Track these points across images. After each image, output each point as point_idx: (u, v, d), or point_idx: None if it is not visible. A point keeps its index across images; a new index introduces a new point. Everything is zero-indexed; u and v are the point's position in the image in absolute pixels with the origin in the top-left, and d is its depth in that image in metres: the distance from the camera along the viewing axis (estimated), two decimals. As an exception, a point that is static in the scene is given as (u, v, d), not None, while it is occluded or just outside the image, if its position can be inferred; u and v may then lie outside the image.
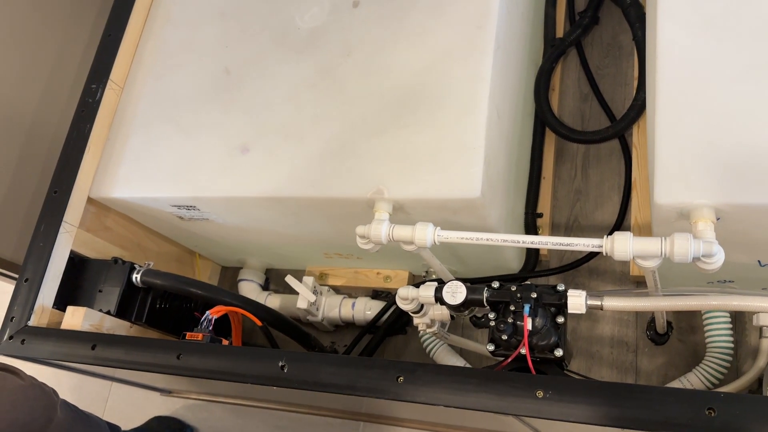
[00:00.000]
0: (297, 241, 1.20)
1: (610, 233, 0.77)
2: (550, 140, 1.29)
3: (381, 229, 0.87)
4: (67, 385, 1.43)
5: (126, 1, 1.21)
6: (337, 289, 1.32)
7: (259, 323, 1.05)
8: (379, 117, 0.98)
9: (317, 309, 1.24)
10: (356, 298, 1.26)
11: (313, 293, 1.22)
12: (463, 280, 0.85)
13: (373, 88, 1.00)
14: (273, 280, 1.42)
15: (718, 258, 0.73)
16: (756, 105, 0.79)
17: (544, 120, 1.26)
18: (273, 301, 1.31)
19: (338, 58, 1.05)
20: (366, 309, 1.24)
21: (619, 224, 1.21)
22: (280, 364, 0.84)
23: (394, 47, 1.02)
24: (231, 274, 1.44)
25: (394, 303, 1.07)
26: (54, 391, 0.98)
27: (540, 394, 0.70)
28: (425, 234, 0.85)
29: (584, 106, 1.34)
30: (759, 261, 0.88)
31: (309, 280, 1.22)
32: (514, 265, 1.18)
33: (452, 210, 0.93)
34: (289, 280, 1.21)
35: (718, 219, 0.79)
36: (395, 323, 1.22)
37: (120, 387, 1.45)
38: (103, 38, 1.20)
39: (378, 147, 0.96)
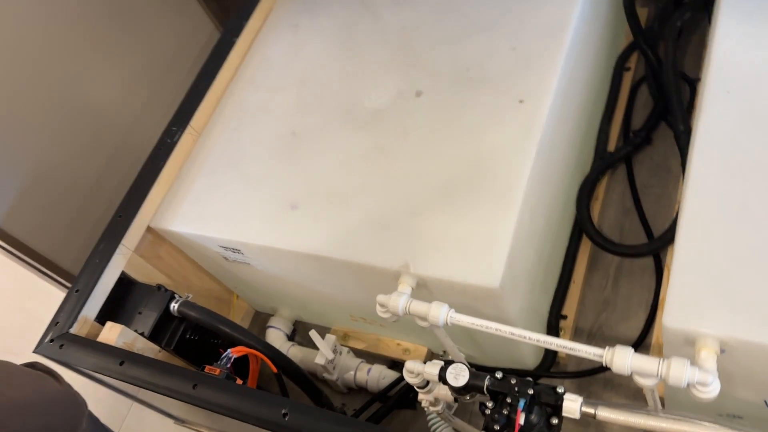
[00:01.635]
0: (327, 299, 1.26)
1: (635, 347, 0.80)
2: (586, 247, 1.32)
3: (399, 300, 0.92)
4: (93, 395, 1.51)
5: (218, 59, 1.35)
6: (357, 353, 1.37)
7: (274, 370, 1.10)
8: (420, 198, 1.05)
9: (334, 368, 1.29)
10: (373, 364, 1.31)
11: (333, 352, 1.27)
12: (473, 366, 0.89)
13: (420, 171, 1.08)
14: (299, 333, 1.48)
15: (712, 388, 0.75)
16: (776, 248, 0.82)
17: (582, 226, 1.31)
18: (295, 352, 1.37)
19: (394, 138, 1.14)
20: (381, 377, 1.28)
21: (641, 341, 1.22)
22: (283, 411, 0.89)
23: (446, 138, 1.10)
24: (262, 319, 1.51)
25: (406, 376, 1.11)
26: (84, 402, 1.05)
27: (519, 488, 0.72)
28: (439, 313, 0.90)
29: (624, 219, 1.37)
30: (765, 401, 0.88)
31: (331, 338, 1.28)
32: (530, 361, 1.20)
33: (472, 296, 0.97)
34: (313, 335, 1.26)
35: (723, 351, 0.81)
36: (406, 396, 1.25)
37: (139, 408, 1.51)
38: (192, 87, 1.34)
39: (413, 225, 1.03)
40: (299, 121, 1.24)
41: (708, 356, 0.78)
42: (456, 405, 1.03)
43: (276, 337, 1.42)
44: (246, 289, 1.43)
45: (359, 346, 1.37)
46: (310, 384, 1.18)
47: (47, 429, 0.92)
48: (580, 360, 1.24)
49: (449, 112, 1.13)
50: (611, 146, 1.42)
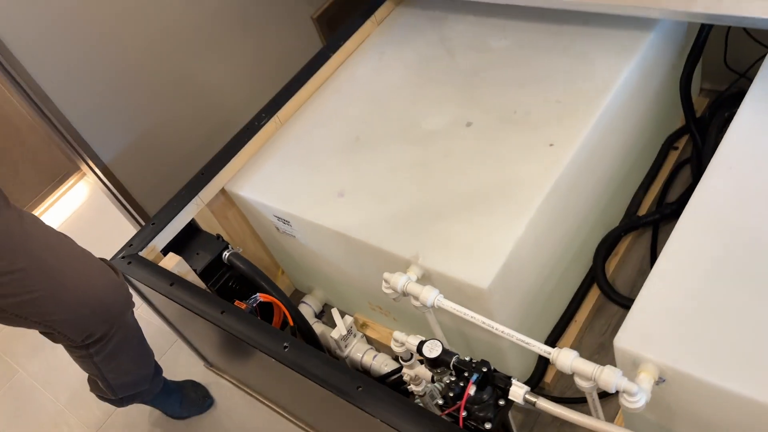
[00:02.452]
0: (351, 282, 1.44)
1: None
2: (594, 294, 1.43)
3: (400, 279, 1.09)
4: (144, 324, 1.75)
5: (312, 68, 1.59)
6: (369, 341, 1.53)
7: (291, 323, 1.29)
8: (444, 206, 1.22)
9: (345, 346, 1.45)
10: (380, 352, 1.46)
11: (348, 331, 1.44)
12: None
13: (451, 185, 1.25)
14: (327, 317, 1.66)
15: (638, 399, 0.86)
16: (731, 305, 0.93)
17: (594, 274, 1.42)
18: (317, 327, 1.54)
19: (438, 156, 1.32)
20: (383, 364, 1.43)
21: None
22: (285, 344, 1.07)
23: (480, 163, 1.27)
24: (298, 297, 1.70)
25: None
26: (132, 300, 1.28)
27: (451, 439, 0.86)
28: (429, 294, 1.06)
29: (639, 279, 1.47)
30: (702, 439, 0.97)
31: (349, 319, 1.45)
32: (516, 375, 1.31)
33: (465, 294, 1.12)
34: (334, 312, 1.44)
35: (663, 380, 0.91)
36: (398, 386, 1.39)
37: (177, 348, 1.73)
38: (286, 85, 1.58)
39: (432, 226, 1.20)
40: (364, 130, 1.45)
41: (645, 378, 0.89)
42: (434, 386, 1.17)
43: (306, 311, 1.60)
44: (289, 264, 1.63)
45: (373, 335, 1.53)
46: (317, 344, 1.35)
47: (106, 300, 1.14)
48: (565, 387, 1.35)
49: (489, 142, 1.30)
50: (642, 211, 1.53)
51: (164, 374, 1.53)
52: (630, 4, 1.27)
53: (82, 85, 1.51)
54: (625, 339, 0.94)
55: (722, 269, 0.97)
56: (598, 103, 1.28)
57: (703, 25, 1.46)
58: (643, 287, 0.99)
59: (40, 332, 1.21)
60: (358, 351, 1.46)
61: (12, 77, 1.43)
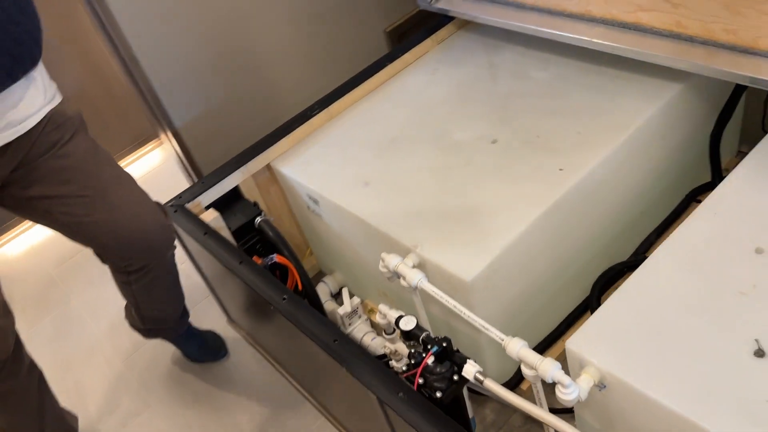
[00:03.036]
0: (364, 266, 1.57)
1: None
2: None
3: (393, 259, 1.22)
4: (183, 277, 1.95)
5: (370, 72, 1.76)
6: (373, 325, 1.65)
7: (300, 287, 1.44)
8: (454, 206, 1.34)
9: (348, 324, 1.59)
10: (379, 336, 1.58)
11: (354, 312, 1.57)
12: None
13: (465, 191, 1.37)
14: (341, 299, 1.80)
15: (570, 391, 0.95)
16: (682, 332, 1.00)
17: (589, 304, 1.50)
18: (329, 304, 1.69)
19: (460, 163, 1.45)
20: (380, 346, 1.55)
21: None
22: (284, 296, 1.22)
23: (495, 175, 1.39)
24: (321, 277, 1.85)
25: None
26: (174, 241, 1.46)
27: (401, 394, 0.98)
28: (414, 276, 1.18)
29: (634, 315, 1.53)
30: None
31: (356, 300, 1.58)
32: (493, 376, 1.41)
33: (452, 286, 1.24)
34: (345, 290, 1.58)
35: (604, 386, 1.00)
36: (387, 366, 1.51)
37: (210, 302, 1.91)
38: (343, 84, 1.76)
39: (438, 223, 1.32)
40: (401, 132, 1.59)
41: (585, 379, 0.98)
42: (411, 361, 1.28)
43: (323, 289, 1.75)
44: (316, 244, 1.79)
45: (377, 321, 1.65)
46: (320, 310, 1.49)
47: (148, 237, 1.32)
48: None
49: (507, 159, 1.42)
50: (650, 252, 1.59)
51: (191, 321, 1.72)
52: (663, 54, 1.36)
53: (169, 54, 1.74)
54: (575, 342, 1.03)
55: (682, 300, 1.05)
56: (614, 138, 1.37)
57: (737, 86, 1.52)
58: (607, 300, 1.08)
59: (94, 252, 1.40)
60: (360, 331, 1.59)
61: (111, 39, 1.67)
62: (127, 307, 1.61)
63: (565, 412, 1.35)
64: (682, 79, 1.44)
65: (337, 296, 1.79)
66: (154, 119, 1.89)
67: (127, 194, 1.30)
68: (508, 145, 1.46)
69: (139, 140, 2.72)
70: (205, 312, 1.91)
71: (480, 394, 1.44)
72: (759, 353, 0.93)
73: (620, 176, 1.42)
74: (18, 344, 1.33)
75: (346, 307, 1.56)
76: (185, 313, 1.67)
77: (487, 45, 1.81)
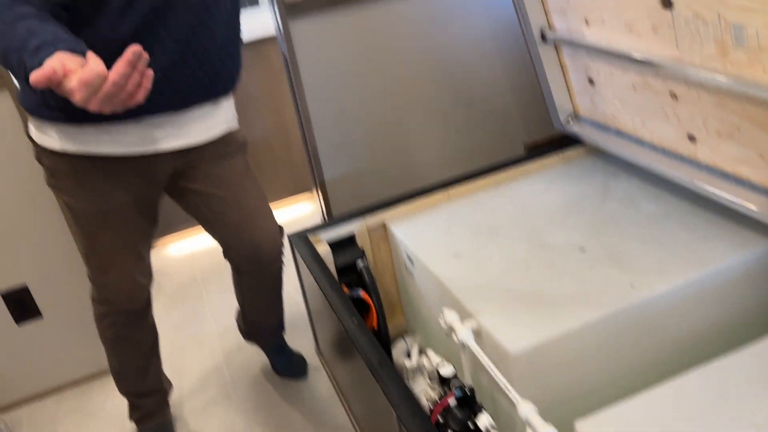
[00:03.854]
0: (437, 328, 1.74)
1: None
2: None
3: (451, 315, 1.39)
4: (291, 301, 2.23)
5: (493, 168, 1.99)
6: (433, 388, 1.79)
7: (374, 325, 1.64)
8: (526, 287, 1.49)
9: (412, 378, 1.75)
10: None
11: (418, 368, 1.74)
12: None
13: (540, 281, 1.52)
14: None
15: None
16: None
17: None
18: (400, 358, 1.86)
19: (544, 260, 1.60)
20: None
21: None
22: (354, 319, 1.43)
23: (572, 274, 1.52)
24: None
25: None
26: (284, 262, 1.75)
27: None
28: (464, 332, 1.34)
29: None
30: None
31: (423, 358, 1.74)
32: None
33: (499, 355, 1.37)
34: (415, 347, 1.75)
35: None
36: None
37: (306, 328, 2.17)
38: (471, 172, 2.00)
39: (506, 300, 1.47)
40: (501, 224, 1.78)
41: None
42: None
43: (400, 346, 1.93)
44: (406, 303, 1.99)
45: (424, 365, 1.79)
46: (388, 352, 1.68)
47: (262, 248, 1.61)
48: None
49: (588, 266, 1.55)
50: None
51: (286, 339, 1.98)
52: (757, 208, 1.44)
53: (335, 122, 2.12)
54: (586, 424, 1.12)
55: (690, 421, 1.10)
56: (690, 272, 1.45)
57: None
58: (638, 395, 1.15)
59: (222, 250, 1.73)
60: (418, 386, 1.74)
61: (297, 102, 2.08)
62: (238, 310, 1.92)
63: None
64: (776, 236, 1.49)
65: (410, 355, 1.96)
66: (311, 172, 2.27)
67: (257, 208, 1.62)
68: (592, 255, 1.59)
69: (297, 190, 3.16)
70: (300, 336, 2.17)
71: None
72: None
73: (690, 309, 1.48)
74: (148, 303, 1.67)
75: (413, 362, 1.73)
76: (281, 327, 1.93)
77: (606, 172, 1.97)
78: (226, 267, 1.74)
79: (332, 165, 2.18)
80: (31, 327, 2.03)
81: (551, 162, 2.07)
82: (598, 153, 2.07)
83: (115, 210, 1.43)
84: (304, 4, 1.97)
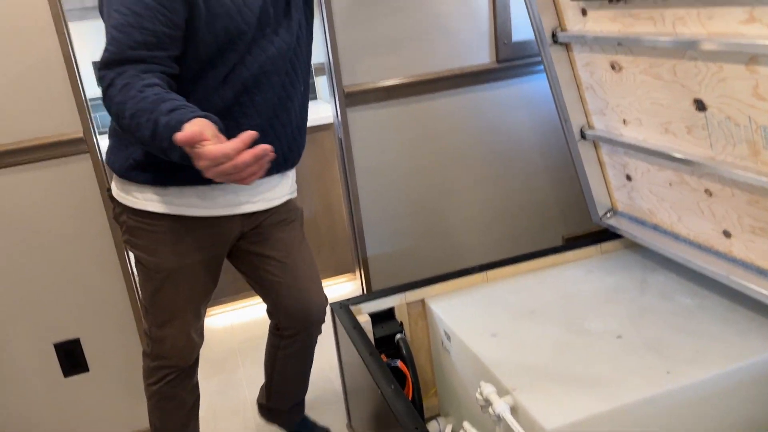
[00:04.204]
0: (473, 408, 1.76)
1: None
2: None
3: (488, 388, 1.42)
4: (322, 376, 2.25)
5: (532, 256, 2.06)
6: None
7: (409, 396, 1.67)
8: (560, 372, 1.52)
9: (442, 455, 1.75)
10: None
11: (450, 445, 1.74)
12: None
13: (578, 363, 1.55)
14: (448, 441, 1.95)
15: None
16: None
17: None
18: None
19: (581, 344, 1.63)
20: (462, 485, 1.68)
21: None
22: (392, 386, 1.48)
23: (607, 356, 1.55)
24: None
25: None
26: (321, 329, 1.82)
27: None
28: (500, 405, 1.37)
29: None
30: None
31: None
32: None
33: (533, 430, 1.39)
34: (449, 426, 1.76)
35: None
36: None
37: (338, 401, 2.19)
38: (509, 257, 2.07)
39: (543, 380, 1.50)
40: (540, 308, 1.83)
41: None
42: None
43: (432, 426, 1.94)
44: (441, 382, 2.01)
45: (469, 465, 1.78)
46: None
47: (306, 311, 1.70)
48: None
49: (624, 351, 1.58)
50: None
51: (310, 416, 2.01)
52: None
53: (381, 203, 2.24)
54: None
55: None
56: (726, 363, 1.47)
57: None
58: None
59: (267, 310, 1.81)
60: (450, 465, 1.74)
61: (347, 185, 2.22)
62: (261, 388, 1.97)
63: None
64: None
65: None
66: (355, 248, 2.37)
67: (310, 274, 1.72)
68: (628, 342, 1.62)
69: (338, 270, 3.25)
70: (331, 412, 2.19)
71: None
72: None
73: (726, 400, 1.48)
74: (196, 362, 1.75)
75: (444, 437, 1.74)
76: (302, 403, 1.97)
77: (645, 266, 2.02)
78: (262, 341, 1.81)
79: (375, 243, 2.28)
80: (77, 380, 2.11)
81: (589, 253, 2.13)
82: (636, 247, 2.13)
83: (187, 268, 1.54)
84: (362, 96, 2.15)
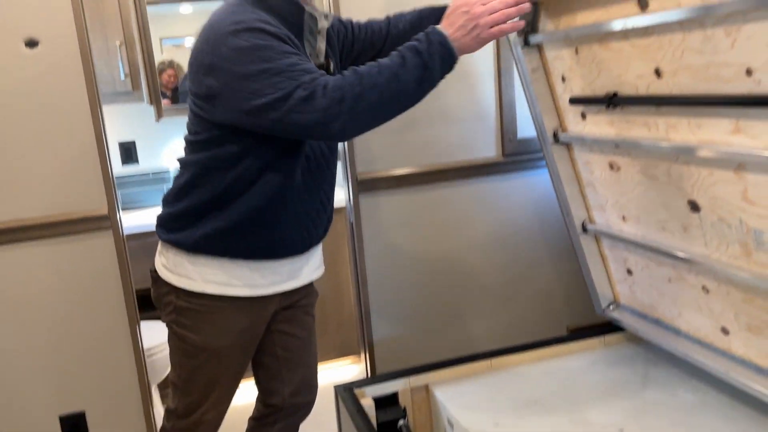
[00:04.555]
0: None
1: None
2: None
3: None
4: None
5: (539, 345, 2.09)
6: None
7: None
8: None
9: None
10: None
11: None
12: None
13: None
14: None
15: None
16: None
17: None
18: None
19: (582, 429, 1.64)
20: None
21: None
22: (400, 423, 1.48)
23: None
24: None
25: None
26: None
27: None
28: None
29: None
30: None
31: None
32: None
33: None
34: None
35: None
36: None
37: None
38: (516, 345, 2.10)
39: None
40: (542, 398, 1.85)
41: None
42: None
43: None
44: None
45: None
46: None
47: (312, 386, 1.74)
48: None
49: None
50: None
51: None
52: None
53: (389, 286, 2.30)
54: None
55: None
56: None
57: None
58: None
59: (265, 392, 1.81)
60: None
61: (357, 268, 2.29)
62: None
63: None
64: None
65: None
66: (361, 330, 2.41)
67: (316, 353, 1.78)
68: (630, 437, 1.63)
69: (343, 352, 3.26)
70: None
71: None
72: None
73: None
74: None
75: None
76: None
77: (647, 360, 2.04)
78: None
79: (381, 326, 2.32)
80: (78, 454, 2.11)
81: (593, 344, 2.15)
82: (639, 340, 2.15)
83: (230, 347, 1.57)
84: (373, 183, 2.26)
